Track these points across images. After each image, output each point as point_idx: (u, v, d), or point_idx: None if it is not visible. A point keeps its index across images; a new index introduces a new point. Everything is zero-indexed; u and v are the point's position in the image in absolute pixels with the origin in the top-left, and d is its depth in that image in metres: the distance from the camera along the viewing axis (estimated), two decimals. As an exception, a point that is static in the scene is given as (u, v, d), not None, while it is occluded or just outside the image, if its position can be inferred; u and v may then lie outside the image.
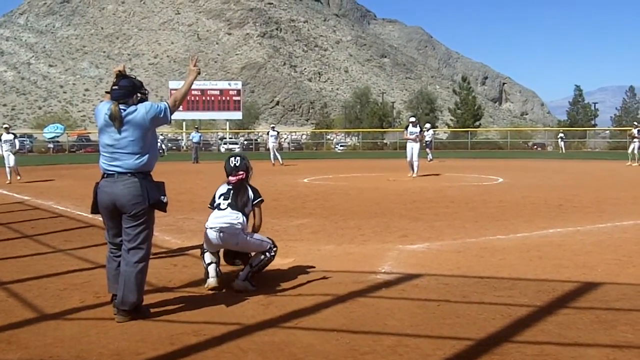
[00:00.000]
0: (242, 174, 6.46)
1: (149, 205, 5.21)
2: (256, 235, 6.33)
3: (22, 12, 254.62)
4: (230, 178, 6.44)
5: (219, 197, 6.37)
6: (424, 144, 36.19)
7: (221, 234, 6.13)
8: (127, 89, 5.28)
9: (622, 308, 5.34)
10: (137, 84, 5.41)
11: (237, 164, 6.48)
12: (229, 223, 6.11)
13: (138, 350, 4.41)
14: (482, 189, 17.58)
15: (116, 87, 5.29)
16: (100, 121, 5.28)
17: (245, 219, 6.24)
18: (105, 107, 5.28)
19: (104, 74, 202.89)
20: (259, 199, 6.46)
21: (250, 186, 6.50)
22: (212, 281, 6.14)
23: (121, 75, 5.39)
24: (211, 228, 6.17)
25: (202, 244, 6.41)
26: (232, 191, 6.35)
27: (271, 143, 32.93)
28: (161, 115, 5.31)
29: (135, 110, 5.23)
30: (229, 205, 6.25)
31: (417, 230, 9.84)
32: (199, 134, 40.95)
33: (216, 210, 6.31)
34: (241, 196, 6.31)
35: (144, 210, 5.21)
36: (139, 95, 5.34)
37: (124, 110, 5.20)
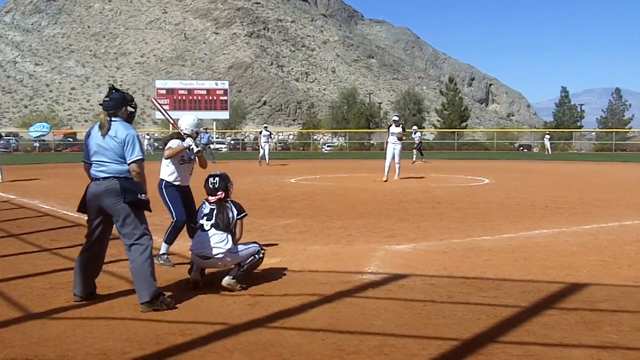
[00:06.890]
0: (222, 194, 6.49)
1: (125, 202, 5.47)
2: (241, 247, 6.35)
3: (7, 10, 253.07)
4: (210, 198, 6.48)
5: (202, 218, 6.41)
6: (414, 146, 36.22)
7: (206, 261, 6.25)
8: (117, 101, 5.68)
9: (606, 309, 5.37)
10: (128, 97, 5.82)
11: (217, 185, 6.52)
12: (214, 248, 6.16)
13: (124, 350, 4.40)
14: (469, 190, 17.62)
15: (107, 98, 5.69)
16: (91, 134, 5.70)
17: (231, 237, 6.27)
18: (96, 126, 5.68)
19: (90, 72, 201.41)
20: (243, 214, 6.51)
21: (233, 202, 6.54)
22: (194, 275, 6.26)
23: (113, 88, 5.81)
24: (197, 255, 6.26)
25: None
26: (214, 211, 6.37)
27: (263, 142, 32.77)
28: (134, 157, 5.56)
29: (118, 128, 5.56)
30: (212, 226, 6.28)
31: (403, 230, 9.86)
32: (208, 134, 40.03)
33: (199, 231, 6.37)
34: (225, 215, 6.33)
35: (124, 208, 5.48)
36: (128, 108, 5.75)
37: (114, 121, 5.59)
